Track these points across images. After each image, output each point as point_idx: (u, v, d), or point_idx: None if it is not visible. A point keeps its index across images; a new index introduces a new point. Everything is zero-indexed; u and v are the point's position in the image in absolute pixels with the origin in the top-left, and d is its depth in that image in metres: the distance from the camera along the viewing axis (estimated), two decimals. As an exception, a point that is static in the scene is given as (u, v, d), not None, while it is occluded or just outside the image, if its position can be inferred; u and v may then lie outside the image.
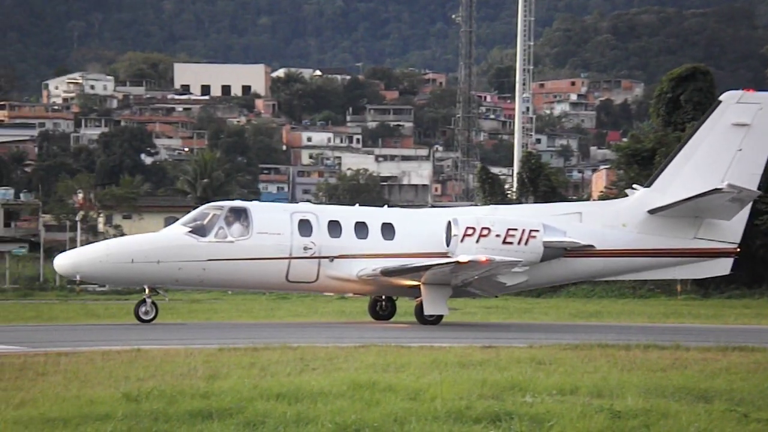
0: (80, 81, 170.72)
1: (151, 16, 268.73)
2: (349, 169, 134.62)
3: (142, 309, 27.36)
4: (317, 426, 11.51)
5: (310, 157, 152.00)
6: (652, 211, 29.58)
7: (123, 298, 47.91)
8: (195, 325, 28.01)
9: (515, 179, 68.56)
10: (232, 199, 40.68)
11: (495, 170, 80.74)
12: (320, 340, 20.64)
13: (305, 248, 27.68)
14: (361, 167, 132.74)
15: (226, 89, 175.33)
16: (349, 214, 28.87)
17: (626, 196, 31.23)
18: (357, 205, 32.19)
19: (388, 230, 28.43)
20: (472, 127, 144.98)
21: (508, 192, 65.16)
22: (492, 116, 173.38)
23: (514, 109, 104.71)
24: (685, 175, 29.55)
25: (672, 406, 12.81)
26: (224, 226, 27.54)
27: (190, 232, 27.44)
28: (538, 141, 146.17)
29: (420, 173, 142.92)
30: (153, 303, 27.44)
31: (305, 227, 27.91)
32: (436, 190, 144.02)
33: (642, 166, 54.61)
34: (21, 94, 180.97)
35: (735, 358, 18.09)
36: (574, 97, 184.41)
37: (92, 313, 32.83)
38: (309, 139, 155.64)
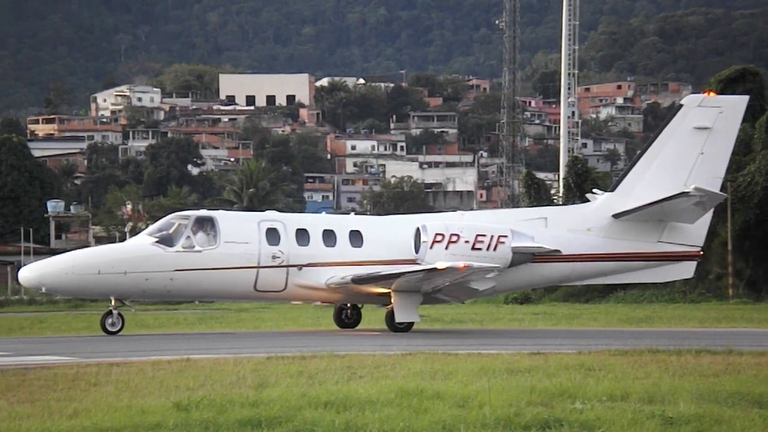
0: (128, 93, 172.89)
1: (196, 29, 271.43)
2: (393, 176, 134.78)
3: (109, 320, 27.12)
4: (366, 434, 11.50)
5: (355, 165, 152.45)
6: (617, 216, 29.42)
7: (173, 308, 48.30)
8: (243, 334, 28.14)
9: (561, 184, 68.15)
10: (278, 209, 40.81)
11: (541, 175, 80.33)
12: (367, 348, 20.64)
13: (273, 257, 27.36)
14: (405, 174, 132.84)
15: (270, 99, 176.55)
16: (316, 222, 28.80)
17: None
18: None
19: (356, 238, 28.18)
20: (517, 132, 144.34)
21: (555, 197, 64.78)
22: (537, 121, 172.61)
23: (559, 114, 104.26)
24: (648, 179, 29.42)
25: (725, 411, 12.63)
26: (191, 235, 27.11)
27: (156, 242, 27.05)
28: (584, 145, 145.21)
29: (465, 179, 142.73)
30: (119, 314, 27.22)
31: (273, 236, 27.58)
32: (481, 196, 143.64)
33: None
34: (70, 107, 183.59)
35: (789, 363, 17.78)
36: (620, 101, 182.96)
37: (142, 323, 33.13)
38: (353, 148, 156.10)
